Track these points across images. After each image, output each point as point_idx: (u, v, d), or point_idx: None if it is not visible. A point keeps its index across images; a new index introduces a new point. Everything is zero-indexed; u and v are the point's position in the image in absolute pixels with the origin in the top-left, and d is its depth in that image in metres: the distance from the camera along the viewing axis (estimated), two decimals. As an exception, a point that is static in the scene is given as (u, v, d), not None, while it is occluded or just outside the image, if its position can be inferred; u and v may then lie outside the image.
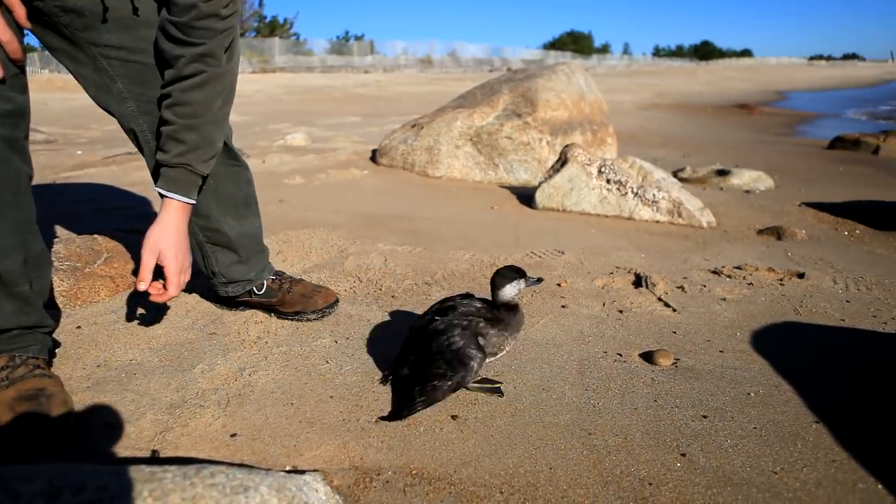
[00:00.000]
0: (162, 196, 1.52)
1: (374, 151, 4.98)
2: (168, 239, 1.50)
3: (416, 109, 9.34)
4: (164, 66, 1.46)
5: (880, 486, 1.26)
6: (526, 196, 3.76)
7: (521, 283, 1.48)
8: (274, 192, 3.77)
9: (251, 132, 7.08)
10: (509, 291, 1.47)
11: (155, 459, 1.25)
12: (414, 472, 1.26)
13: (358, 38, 35.17)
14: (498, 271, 1.50)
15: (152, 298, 1.53)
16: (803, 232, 3.46)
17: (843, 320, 2.17)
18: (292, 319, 1.96)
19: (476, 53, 36.82)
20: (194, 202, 1.56)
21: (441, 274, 2.40)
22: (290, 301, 1.96)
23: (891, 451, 1.38)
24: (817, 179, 5.66)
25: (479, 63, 34.41)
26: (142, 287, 1.49)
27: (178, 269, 1.53)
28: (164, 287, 1.52)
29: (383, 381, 1.59)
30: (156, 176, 1.55)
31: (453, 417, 1.45)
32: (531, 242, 2.86)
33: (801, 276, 2.59)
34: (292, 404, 1.49)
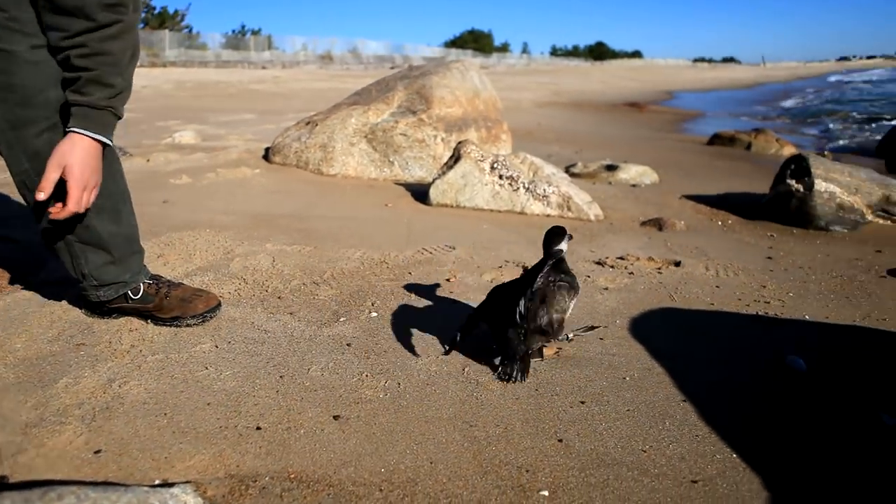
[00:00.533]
0: (74, 134, 1.48)
1: (267, 149, 4.84)
2: (77, 154, 1.47)
3: (314, 106, 9.14)
4: (65, 16, 1.41)
5: (734, 455, 1.35)
6: (421, 193, 3.77)
7: (568, 238, 1.78)
8: (158, 193, 3.58)
9: (137, 129, 6.70)
10: (564, 245, 1.76)
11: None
12: (292, 476, 1.23)
13: (255, 33, 34.06)
14: (552, 230, 1.78)
15: (52, 216, 1.51)
16: (682, 223, 3.67)
17: (712, 304, 2.32)
18: (170, 325, 1.86)
19: (378, 51, 36.63)
20: (111, 144, 1.55)
21: (330, 273, 2.36)
22: (168, 306, 1.86)
23: (745, 422, 1.49)
24: (697, 173, 6.02)
25: (380, 60, 34.22)
26: (41, 196, 1.46)
27: (82, 185, 1.49)
28: (65, 203, 1.50)
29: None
30: (65, 116, 1.50)
31: (335, 417, 1.43)
32: (423, 238, 2.87)
33: (677, 264, 2.74)
34: (166, 414, 1.42)
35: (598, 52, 78.63)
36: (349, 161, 4.36)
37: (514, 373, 1.60)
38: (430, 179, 3.80)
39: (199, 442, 1.32)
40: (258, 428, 1.38)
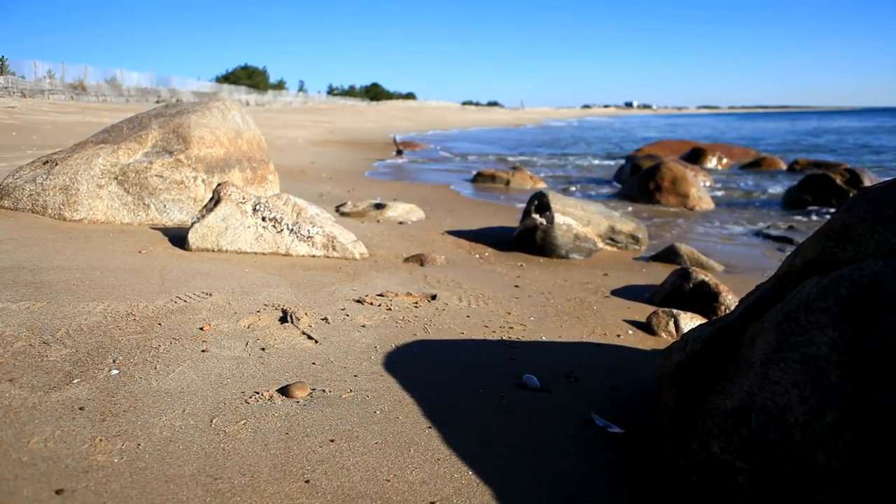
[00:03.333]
0: None
1: (-7, 192, 4.24)
2: None
3: (61, 142, 8.23)
4: None
5: (471, 472, 1.48)
6: (179, 238, 3.58)
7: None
8: None
9: None
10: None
11: None
12: (-3, 567, 1.10)
13: (-18, 55, 29.57)
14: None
15: None
16: (442, 257, 3.93)
17: (462, 333, 2.51)
18: None
19: (140, 82, 33.91)
20: None
21: (65, 331, 2.14)
22: None
23: (481, 440, 1.63)
24: (460, 210, 6.49)
25: (144, 93, 31.75)
26: None
27: None
28: None
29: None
30: None
31: (58, 492, 1.30)
32: (178, 286, 2.72)
33: (433, 297, 2.93)
34: None
35: (374, 93, 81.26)
36: (97, 205, 3.99)
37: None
38: (191, 223, 3.63)
39: None
40: (-46, 519, 1.21)
